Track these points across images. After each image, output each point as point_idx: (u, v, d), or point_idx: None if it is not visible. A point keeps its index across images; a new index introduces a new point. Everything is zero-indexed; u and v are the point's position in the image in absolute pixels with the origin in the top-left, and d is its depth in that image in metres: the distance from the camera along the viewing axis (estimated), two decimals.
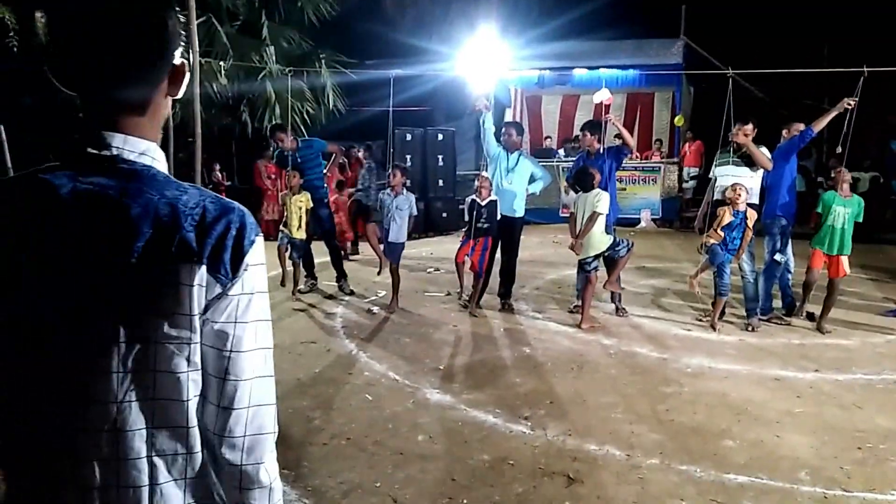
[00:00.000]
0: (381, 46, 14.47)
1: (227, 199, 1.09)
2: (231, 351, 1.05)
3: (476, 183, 6.64)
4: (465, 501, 3.17)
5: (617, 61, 15.38)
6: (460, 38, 12.17)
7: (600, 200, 6.03)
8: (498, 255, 6.86)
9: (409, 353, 5.44)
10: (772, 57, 15.88)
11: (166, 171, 1.09)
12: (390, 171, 6.89)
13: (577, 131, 15.57)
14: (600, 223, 6.07)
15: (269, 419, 1.10)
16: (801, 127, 6.21)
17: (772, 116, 10.82)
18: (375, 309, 6.74)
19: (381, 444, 3.79)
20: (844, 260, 6.01)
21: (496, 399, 4.45)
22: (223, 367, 1.05)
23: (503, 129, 6.88)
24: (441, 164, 12.63)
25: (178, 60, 1.10)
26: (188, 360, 1.02)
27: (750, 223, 5.89)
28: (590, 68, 15.65)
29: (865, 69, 6.16)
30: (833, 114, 6.11)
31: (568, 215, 6.29)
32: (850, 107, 6.08)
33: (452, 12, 16.85)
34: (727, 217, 5.91)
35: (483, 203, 6.44)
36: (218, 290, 1.03)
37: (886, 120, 14.61)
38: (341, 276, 7.44)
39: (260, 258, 1.08)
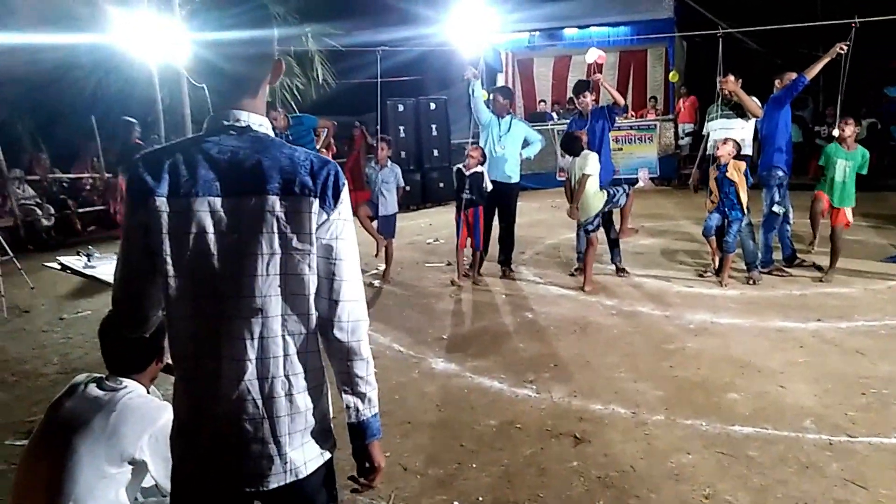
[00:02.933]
0: (368, 10, 14.22)
1: (323, 155, 1.55)
2: (335, 259, 1.49)
3: (466, 151, 6.60)
4: (473, 466, 3.20)
5: (607, 19, 15.16)
6: (448, 2, 11.96)
7: (587, 162, 5.99)
8: (496, 221, 6.84)
9: (412, 324, 5.46)
10: (764, 6, 15.67)
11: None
12: (378, 143, 6.87)
13: (570, 93, 15.47)
14: (592, 184, 6.04)
15: (363, 310, 1.54)
16: (794, 75, 6.13)
17: (766, 67, 10.71)
18: (377, 282, 6.74)
19: (388, 414, 3.82)
20: (847, 210, 5.99)
21: (501, 365, 4.48)
22: (331, 271, 1.49)
23: (490, 96, 6.81)
24: (435, 133, 12.51)
25: (276, 56, 1.54)
26: (308, 266, 1.46)
27: (734, 174, 5.84)
28: (580, 27, 15.45)
29: (856, 20, 6.09)
30: (825, 60, 6.04)
31: (564, 179, 6.26)
32: (842, 52, 6.01)
33: None
34: (712, 174, 5.92)
35: (467, 174, 6.40)
36: (324, 216, 1.47)
37: (883, 66, 14.42)
38: None
39: (347, 196, 1.53)
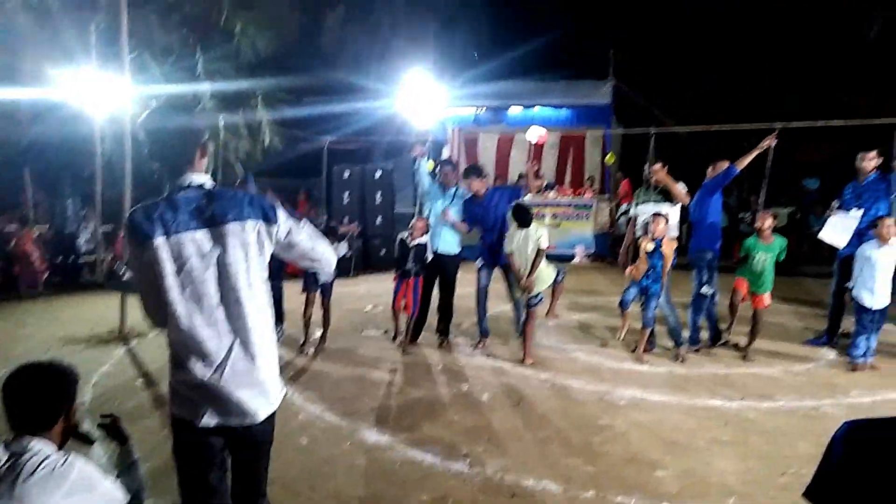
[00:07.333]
0: (318, 81, 14.51)
1: (255, 193, 2.36)
2: (294, 244, 2.36)
3: (411, 222, 6.69)
4: None
5: (550, 101, 15.94)
6: (398, 77, 12.36)
7: (542, 236, 6.13)
8: (436, 291, 6.89)
9: (345, 393, 5.37)
10: (695, 95, 16.77)
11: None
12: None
13: (512, 169, 16.01)
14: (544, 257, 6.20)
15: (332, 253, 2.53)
16: (725, 164, 6.53)
17: (696, 155, 11.38)
18: (311, 350, 6.63)
19: (315, 488, 3.71)
20: (766, 294, 6.32)
21: (435, 437, 4.43)
22: (303, 249, 2.40)
23: (438, 168, 6.98)
24: (379, 201, 12.65)
25: (203, 141, 2.31)
26: (261, 254, 2.27)
27: (667, 251, 6.15)
28: (525, 107, 16.16)
29: (778, 125, 6.64)
30: (755, 153, 6.52)
31: (509, 252, 6.33)
32: (771, 145, 6.50)
33: (390, 52, 17.10)
34: (646, 243, 6.17)
35: (411, 245, 6.49)
36: (274, 228, 2.27)
37: (801, 159, 15.51)
38: (278, 320, 7.27)
39: (280, 207, 2.33)
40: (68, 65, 9.08)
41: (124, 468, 2.35)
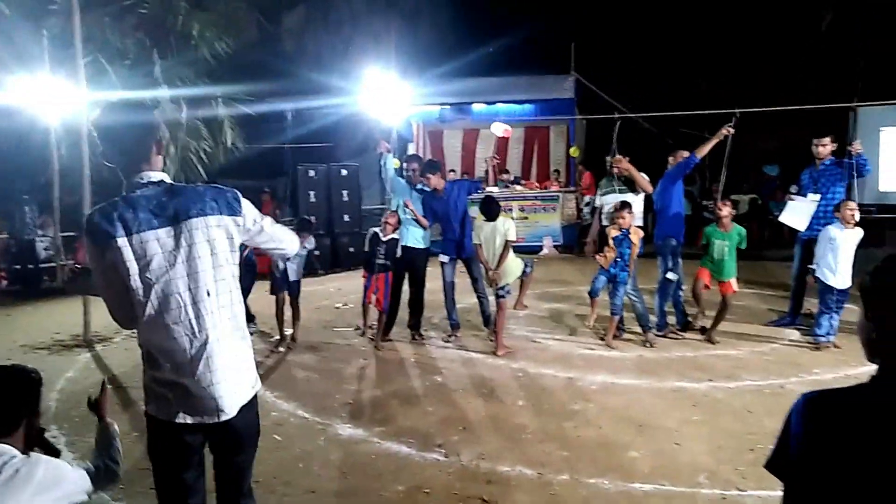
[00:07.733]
0: (279, 80, 14.35)
1: (217, 185, 2.30)
2: (262, 230, 2.34)
3: (383, 217, 6.66)
4: None
5: (513, 96, 16.02)
6: (360, 75, 12.30)
7: (509, 228, 6.16)
8: (406, 286, 6.89)
9: (318, 389, 5.34)
10: (655, 89, 17.04)
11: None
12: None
13: (479, 164, 16.06)
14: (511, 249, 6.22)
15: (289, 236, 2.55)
16: (686, 154, 6.64)
17: (658, 145, 11.56)
18: (282, 347, 6.57)
19: (291, 484, 3.68)
20: (732, 281, 6.44)
21: (409, 429, 4.43)
22: (270, 233, 2.38)
23: (405, 164, 6.96)
24: (346, 199, 12.58)
25: (158, 137, 2.28)
26: (231, 248, 2.21)
27: (634, 239, 6.25)
28: (488, 103, 16.23)
29: (737, 111, 6.77)
30: (714, 141, 6.63)
31: (477, 244, 6.35)
32: (729, 133, 6.62)
33: (352, 51, 17.00)
34: (613, 232, 6.25)
35: (384, 239, 6.47)
36: (240, 219, 2.24)
37: (761, 146, 15.88)
38: (248, 318, 7.19)
39: (244, 200, 2.30)
40: (20, 70, 8.84)
41: (104, 445, 2.31)
